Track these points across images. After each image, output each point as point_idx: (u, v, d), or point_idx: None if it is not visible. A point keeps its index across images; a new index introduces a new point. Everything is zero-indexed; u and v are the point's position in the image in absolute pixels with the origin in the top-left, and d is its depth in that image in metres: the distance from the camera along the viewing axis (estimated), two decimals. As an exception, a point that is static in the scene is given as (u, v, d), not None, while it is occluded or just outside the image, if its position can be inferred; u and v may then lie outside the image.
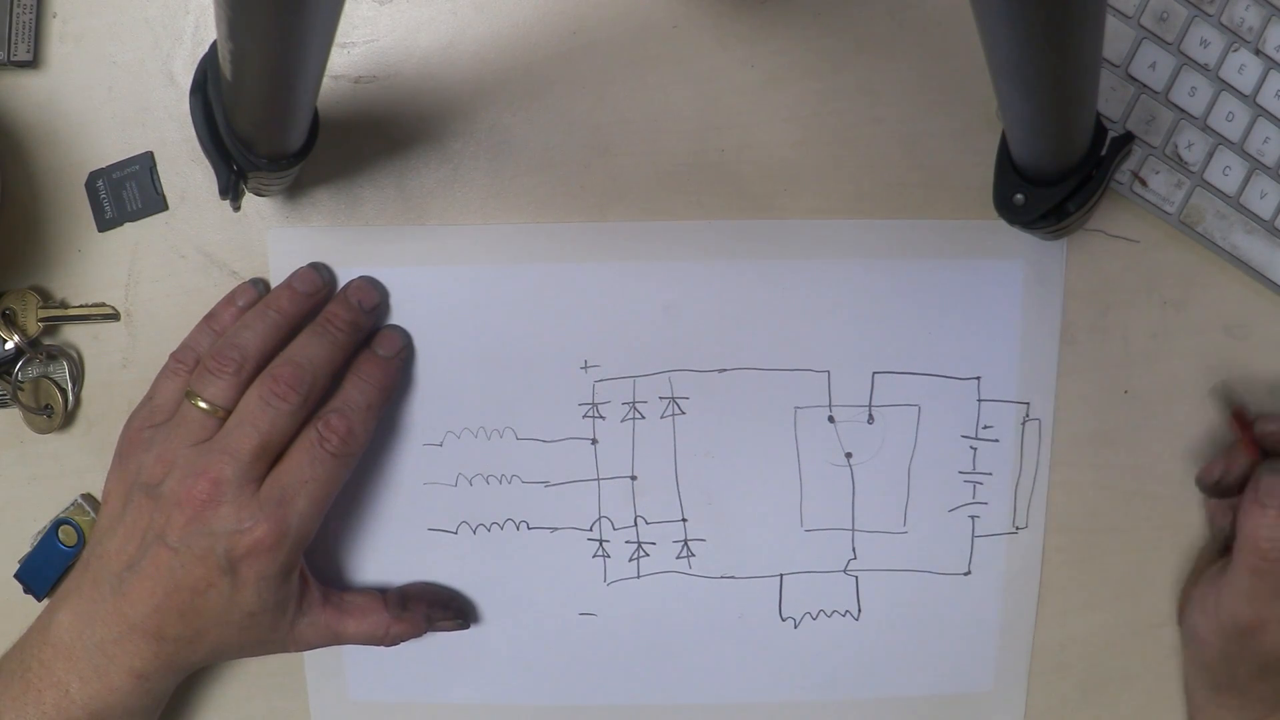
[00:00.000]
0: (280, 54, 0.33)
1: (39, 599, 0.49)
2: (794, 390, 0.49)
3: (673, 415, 0.49)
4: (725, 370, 0.49)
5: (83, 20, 0.47)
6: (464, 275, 0.48)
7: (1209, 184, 0.48)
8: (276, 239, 0.48)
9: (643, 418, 0.49)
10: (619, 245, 0.48)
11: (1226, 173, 0.48)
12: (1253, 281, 0.49)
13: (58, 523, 0.49)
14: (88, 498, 0.50)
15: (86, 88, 0.48)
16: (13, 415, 0.49)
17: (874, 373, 0.49)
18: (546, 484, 0.49)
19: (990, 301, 0.49)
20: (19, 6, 0.46)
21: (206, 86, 0.40)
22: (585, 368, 0.49)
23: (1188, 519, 0.50)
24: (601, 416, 0.49)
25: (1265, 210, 0.48)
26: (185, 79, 0.47)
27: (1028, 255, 0.49)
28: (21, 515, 0.50)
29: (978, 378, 0.49)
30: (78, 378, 0.49)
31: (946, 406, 0.49)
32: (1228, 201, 0.48)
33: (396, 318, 0.48)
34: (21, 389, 0.49)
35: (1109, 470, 0.50)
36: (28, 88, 0.48)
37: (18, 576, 0.49)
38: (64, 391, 0.49)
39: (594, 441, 0.49)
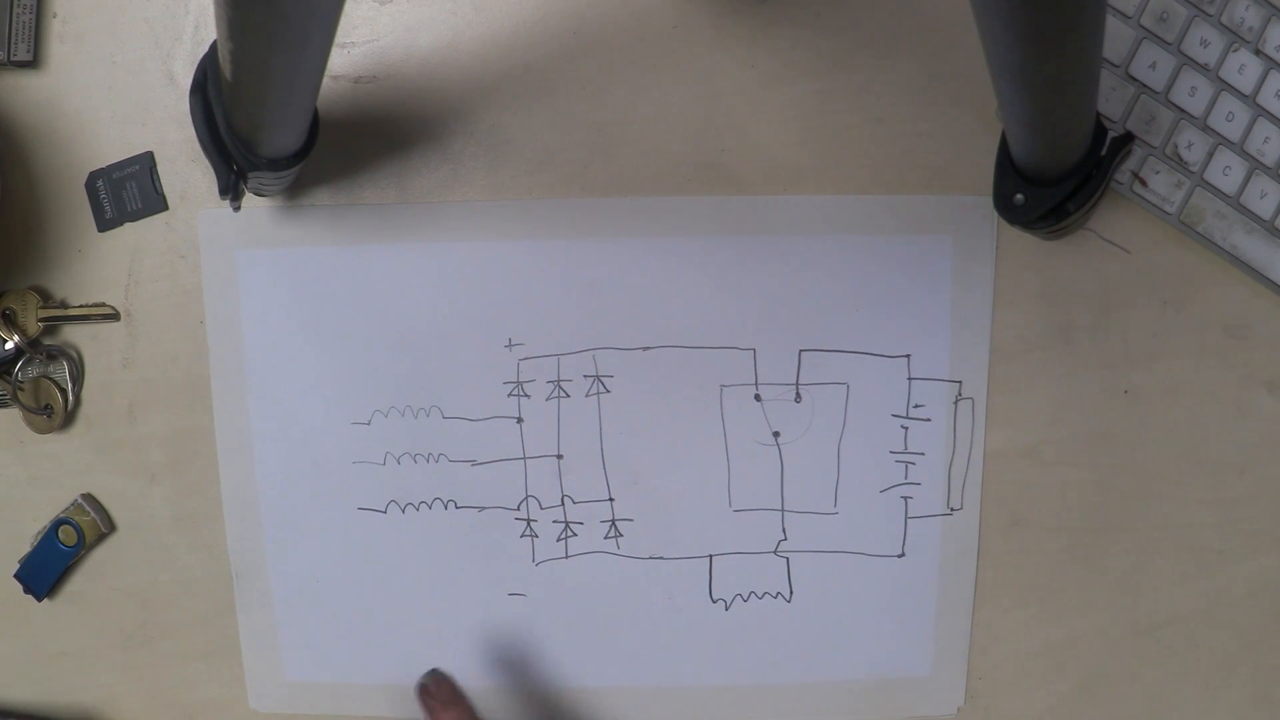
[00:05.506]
0: (280, 54, 0.33)
1: (39, 599, 0.49)
2: (719, 368, 0.49)
3: (597, 394, 0.49)
4: (649, 348, 0.49)
5: (83, 20, 0.47)
6: (386, 253, 0.48)
7: (1209, 184, 0.48)
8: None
9: (567, 396, 0.49)
10: (541, 223, 0.48)
11: (1226, 173, 0.48)
12: (1253, 281, 0.49)
13: (58, 523, 0.49)
14: (88, 498, 0.50)
15: (86, 88, 0.48)
16: (13, 415, 0.49)
17: (800, 350, 0.49)
18: (473, 463, 0.49)
19: (919, 277, 0.48)
20: (19, 6, 0.46)
21: (206, 86, 0.40)
22: (509, 346, 0.48)
23: (1188, 519, 0.50)
24: (526, 395, 0.49)
25: (1265, 210, 0.48)
26: (185, 79, 0.47)
27: (957, 230, 0.48)
28: (21, 515, 0.50)
29: (907, 355, 0.49)
30: (78, 378, 0.49)
31: (876, 385, 0.49)
32: (1228, 201, 0.48)
33: (320, 297, 0.48)
34: (21, 389, 0.49)
35: (1109, 470, 0.50)
36: (28, 88, 0.48)
37: (18, 576, 0.49)
38: (64, 391, 0.49)
39: (519, 420, 0.49)
